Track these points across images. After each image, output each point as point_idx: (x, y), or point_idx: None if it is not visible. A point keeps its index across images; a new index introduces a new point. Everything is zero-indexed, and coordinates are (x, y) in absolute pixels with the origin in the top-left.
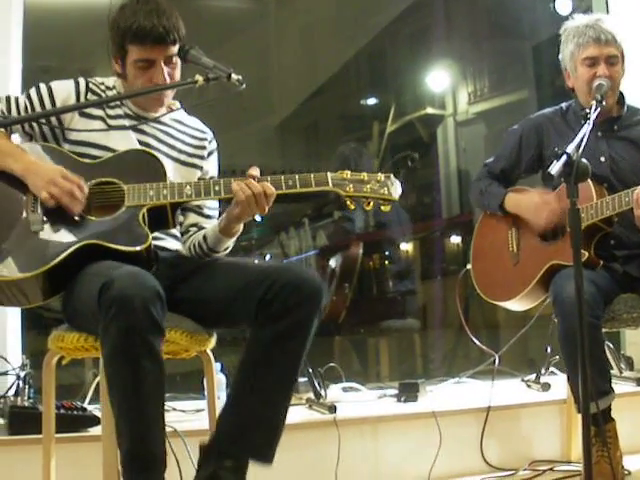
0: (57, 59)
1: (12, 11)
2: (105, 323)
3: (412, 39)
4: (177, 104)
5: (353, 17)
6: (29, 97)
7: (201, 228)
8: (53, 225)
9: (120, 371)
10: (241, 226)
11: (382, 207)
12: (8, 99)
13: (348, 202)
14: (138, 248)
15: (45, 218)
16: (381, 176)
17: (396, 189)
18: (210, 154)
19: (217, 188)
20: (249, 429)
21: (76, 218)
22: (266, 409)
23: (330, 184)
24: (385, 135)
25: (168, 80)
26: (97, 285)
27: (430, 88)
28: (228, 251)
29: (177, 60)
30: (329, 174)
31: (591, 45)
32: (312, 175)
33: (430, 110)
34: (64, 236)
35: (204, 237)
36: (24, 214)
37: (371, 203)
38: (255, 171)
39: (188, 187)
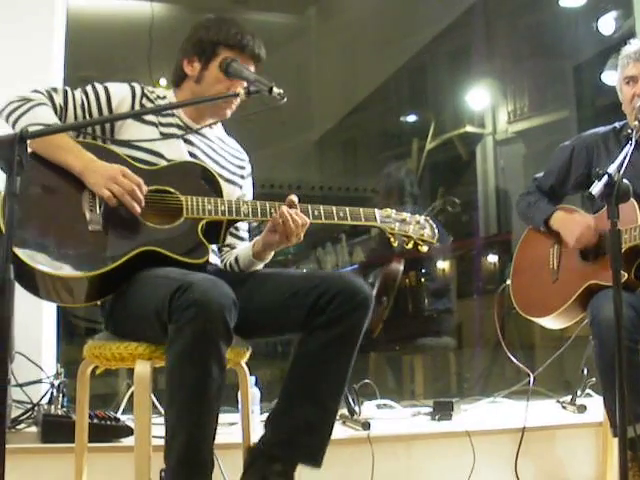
0: (98, 71)
1: (55, 23)
2: (179, 324)
3: (452, 57)
4: (219, 124)
5: (394, 34)
6: (86, 93)
7: (233, 248)
8: (112, 226)
9: (188, 371)
10: (273, 253)
11: (419, 247)
12: (65, 92)
13: (392, 239)
14: (199, 261)
15: (104, 218)
16: (420, 218)
17: (434, 232)
18: (248, 175)
19: (273, 210)
20: (300, 434)
21: (135, 222)
22: (318, 414)
23: (378, 221)
24: (424, 152)
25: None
26: (170, 287)
27: (470, 106)
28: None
29: None
30: (377, 211)
31: (631, 64)
32: (362, 210)
33: (469, 128)
34: (122, 239)
35: (236, 259)
36: (83, 212)
37: (411, 243)
38: (295, 199)
39: (245, 206)
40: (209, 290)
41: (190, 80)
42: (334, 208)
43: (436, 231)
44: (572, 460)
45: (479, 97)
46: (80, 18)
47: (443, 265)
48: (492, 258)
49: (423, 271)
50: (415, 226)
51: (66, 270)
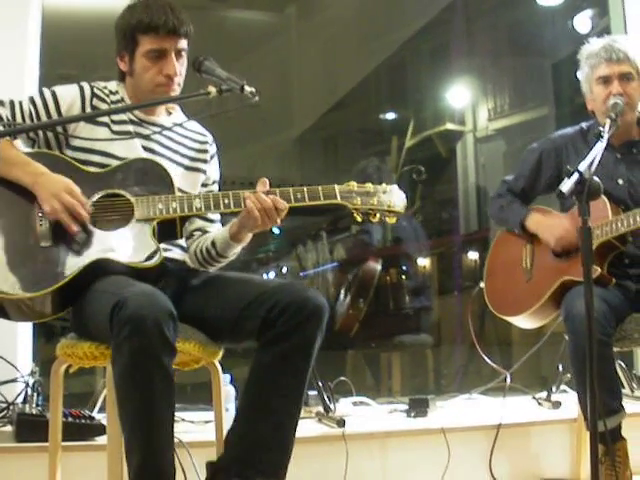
0: (78, 68)
1: (29, 19)
2: (118, 342)
3: (432, 54)
4: (176, 107)
5: (374, 31)
6: (33, 102)
7: (205, 232)
8: (62, 239)
9: (132, 391)
10: (250, 235)
11: (388, 219)
12: (12, 104)
13: (355, 215)
14: (150, 264)
15: (53, 232)
16: (386, 187)
17: (401, 200)
18: (212, 157)
19: (227, 201)
20: (258, 451)
21: (85, 231)
22: (274, 431)
23: (338, 197)
24: (404, 150)
25: (178, 72)
26: (109, 303)
27: (450, 104)
28: (235, 256)
29: (185, 57)
30: (337, 187)
31: (603, 64)
32: (320, 188)
33: (449, 126)
34: (73, 251)
35: (212, 243)
36: (33, 227)
37: (377, 215)
38: (264, 185)
39: (197, 200)
40: (143, 306)
41: (127, 75)
42: (291, 190)
43: (403, 197)
44: (547, 456)
45: (459, 95)
46: (58, 15)
47: (424, 262)
48: (472, 255)
49: (403, 268)
50: (381, 196)
51: (21, 290)
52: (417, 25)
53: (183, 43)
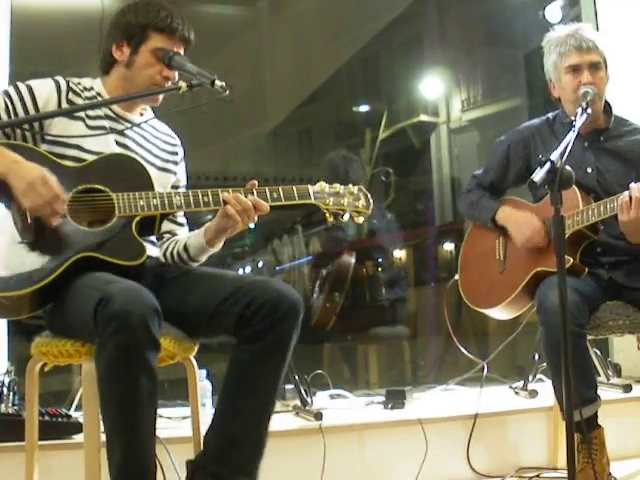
0: (49, 64)
1: None
2: (103, 339)
3: (405, 46)
4: (148, 109)
5: (346, 24)
6: (9, 96)
7: (174, 234)
8: (43, 235)
9: (116, 386)
10: (224, 239)
11: (355, 219)
12: None
13: (327, 215)
14: (136, 263)
15: (35, 228)
16: (354, 188)
17: (368, 201)
18: (181, 160)
19: (206, 199)
20: (232, 449)
21: (68, 227)
22: (248, 429)
23: (312, 198)
24: (377, 142)
25: (175, 78)
26: (93, 300)
27: (423, 95)
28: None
29: None
30: (310, 187)
31: (573, 53)
32: (295, 188)
33: (423, 117)
34: (56, 248)
35: (185, 247)
36: (12, 223)
37: (345, 216)
38: (252, 187)
39: (177, 197)
40: (129, 302)
41: (120, 65)
42: (267, 190)
43: (370, 200)
44: (524, 445)
45: (432, 86)
46: (29, 11)
47: (399, 254)
48: (448, 246)
49: (379, 260)
50: (349, 197)
51: (1, 289)
52: (389, 17)
53: (183, 51)
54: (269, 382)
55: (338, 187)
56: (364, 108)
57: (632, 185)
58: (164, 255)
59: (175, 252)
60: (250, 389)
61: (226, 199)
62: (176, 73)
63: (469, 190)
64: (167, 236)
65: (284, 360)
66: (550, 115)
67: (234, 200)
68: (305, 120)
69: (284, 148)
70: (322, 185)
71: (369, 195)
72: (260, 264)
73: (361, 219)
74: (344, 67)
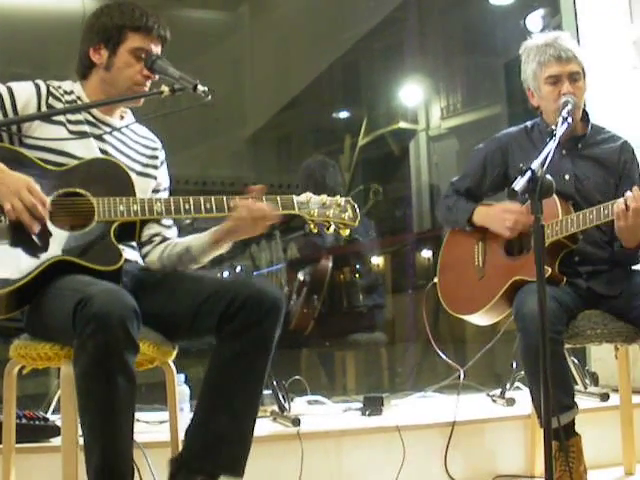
0: (30, 67)
1: None
2: (81, 339)
3: (385, 53)
4: (128, 112)
5: (327, 30)
6: None
7: (164, 237)
8: (21, 238)
9: (94, 387)
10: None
11: (341, 231)
12: None
13: (312, 226)
14: (112, 268)
15: (12, 230)
16: (341, 200)
17: (355, 214)
18: (162, 163)
19: (187, 207)
20: (218, 446)
21: (45, 231)
22: (234, 425)
23: (296, 208)
24: (357, 149)
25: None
26: (72, 301)
27: (403, 102)
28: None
29: None
30: (295, 198)
31: (553, 64)
32: (279, 198)
33: (402, 124)
34: (33, 250)
35: (187, 249)
36: None
37: (331, 227)
38: (262, 191)
39: (158, 204)
40: (108, 303)
41: (99, 68)
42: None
43: (357, 212)
44: (501, 452)
45: (412, 93)
46: (10, 13)
47: (377, 261)
48: (426, 253)
49: (356, 267)
50: (336, 209)
51: None
52: (370, 24)
53: (161, 50)
54: (254, 377)
55: (325, 198)
56: (344, 114)
57: (628, 194)
58: (161, 258)
59: (175, 254)
60: (234, 385)
61: (240, 205)
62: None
63: (446, 196)
64: (157, 239)
65: (268, 356)
66: (528, 124)
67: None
68: (285, 126)
69: (263, 153)
70: (308, 195)
71: (356, 207)
72: (238, 269)
73: (347, 232)
74: (324, 73)
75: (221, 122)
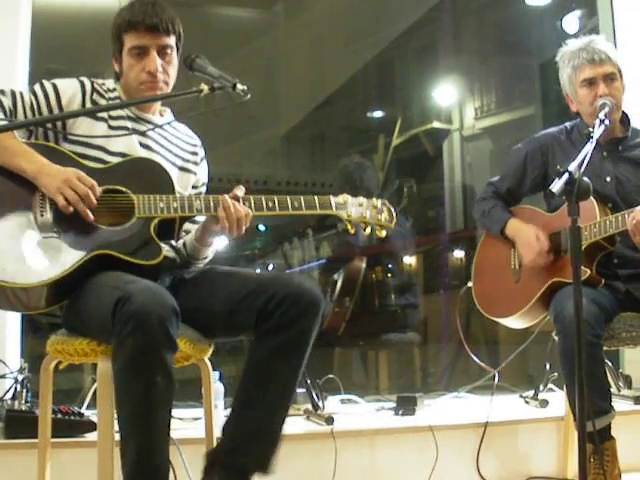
0: (65, 62)
1: (20, 14)
2: (120, 338)
3: (420, 53)
4: (167, 110)
5: (362, 30)
6: (34, 94)
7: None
8: (63, 230)
9: (133, 386)
10: (214, 239)
11: (377, 232)
12: (14, 94)
13: (349, 226)
14: (152, 262)
15: (55, 222)
16: (377, 202)
17: (392, 216)
18: (202, 160)
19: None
20: (250, 441)
21: (87, 224)
22: (267, 421)
23: (334, 208)
24: (390, 148)
25: (161, 70)
26: (111, 298)
27: (437, 102)
28: (207, 260)
29: (173, 55)
30: (332, 198)
31: (586, 67)
32: (316, 198)
33: (436, 124)
34: (75, 243)
35: (184, 243)
36: (34, 217)
37: (368, 228)
38: (240, 191)
39: (198, 201)
40: (148, 302)
41: (120, 76)
42: (288, 198)
43: (394, 214)
44: (534, 454)
45: (446, 93)
46: (46, 9)
47: (410, 260)
48: (458, 254)
49: (389, 266)
50: (372, 210)
51: (20, 279)
52: (405, 24)
53: (166, 40)
54: (289, 374)
55: (361, 199)
56: (378, 114)
57: (637, 208)
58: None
59: (177, 248)
60: (270, 381)
61: (222, 200)
62: (157, 59)
63: (483, 198)
64: (183, 234)
65: (304, 354)
66: (568, 124)
67: (231, 210)
68: (319, 124)
69: (297, 152)
70: (345, 197)
71: (393, 209)
72: (270, 267)
73: (384, 233)
74: (359, 72)
75: (255, 120)
